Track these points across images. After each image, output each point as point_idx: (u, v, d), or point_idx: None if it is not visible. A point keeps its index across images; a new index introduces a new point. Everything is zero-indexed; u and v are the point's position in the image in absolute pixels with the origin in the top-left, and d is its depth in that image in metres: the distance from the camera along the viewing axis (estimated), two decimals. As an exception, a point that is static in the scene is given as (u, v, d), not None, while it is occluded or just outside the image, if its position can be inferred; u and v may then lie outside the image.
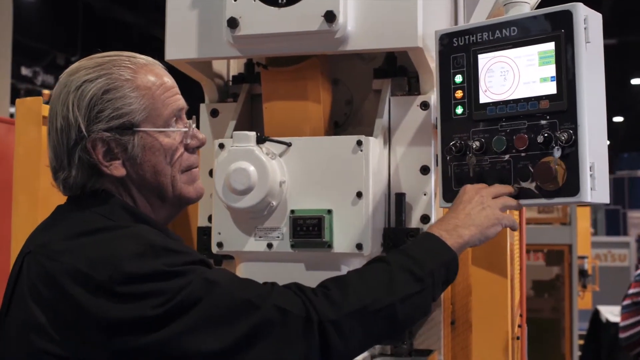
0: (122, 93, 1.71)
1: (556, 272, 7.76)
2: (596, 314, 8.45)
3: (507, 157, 1.84)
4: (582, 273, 7.96)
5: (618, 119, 23.83)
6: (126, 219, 1.72)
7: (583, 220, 8.52)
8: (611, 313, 8.15)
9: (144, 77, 1.74)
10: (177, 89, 1.82)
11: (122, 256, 1.56)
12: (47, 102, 2.32)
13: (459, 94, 1.93)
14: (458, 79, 1.94)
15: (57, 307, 1.57)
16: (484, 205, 1.85)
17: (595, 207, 16.89)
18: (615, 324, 7.60)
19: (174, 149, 1.76)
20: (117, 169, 1.73)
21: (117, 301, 1.53)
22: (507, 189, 1.89)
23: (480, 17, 2.05)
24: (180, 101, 1.80)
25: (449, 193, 1.95)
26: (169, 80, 1.81)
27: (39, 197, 2.41)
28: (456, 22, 2.78)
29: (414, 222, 2.43)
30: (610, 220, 22.20)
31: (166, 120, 1.75)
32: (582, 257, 8.01)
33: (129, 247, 1.59)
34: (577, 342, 7.46)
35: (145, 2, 15.10)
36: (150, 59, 1.84)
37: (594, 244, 10.72)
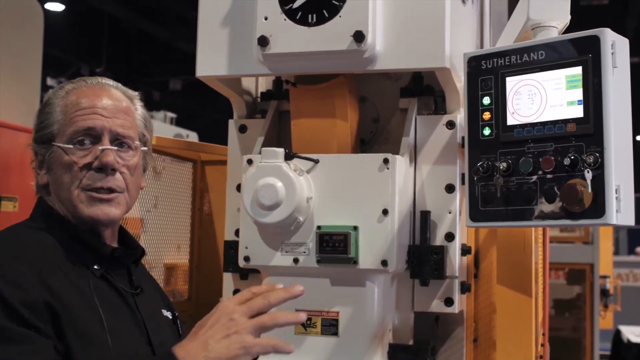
0: (49, 109, 1.82)
1: (577, 291, 7.73)
2: (617, 334, 8.40)
3: (533, 178, 1.86)
4: (604, 292, 7.92)
5: (642, 137, 23.65)
6: (43, 220, 1.81)
7: (605, 239, 8.49)
8: (633, 333, 8.11)
9: (71, 97, 1.82)
10: (96, 110, 1.79)
11: None
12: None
13: (486, 115, 1.96)
14: (486, 100, 1.97)
15: None
16: (230, 331, 1.57)
17: (617, 227, 16.77)
18: (638, 345, 7.56)
19: (70, 165, 1.77)
20: (42, 178, 1.85)
21: None
22: (268, 301, 1.65)
23: (507, 40, 2.07)
24: (89, 122, 1.78)
25: (476, 213, 1.97)
26: (93, 102, 1.80)
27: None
28: (482, 43, 2.82)
29: (439, 239, 2.46)
30: (633, 240, 22.01)
31: (70, 137, 1.78)
32: (604, 277, 7.98)
33: None
34: (598, 362, 7.43)
35: (170, 14, 15.23)
36: (105, 82, 1.88)
37: (615, 264, 10.65)
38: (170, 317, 1.96)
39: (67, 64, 15.90)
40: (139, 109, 1.92)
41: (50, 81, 15.44)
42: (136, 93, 1.93)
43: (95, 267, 1.77)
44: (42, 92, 6.53)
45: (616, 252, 12.38)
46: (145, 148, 1.88)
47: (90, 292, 1.70)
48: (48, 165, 1.82)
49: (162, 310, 1.94)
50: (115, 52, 16.23)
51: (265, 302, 1.62)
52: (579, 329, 7.46)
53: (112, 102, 1.82)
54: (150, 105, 15.61)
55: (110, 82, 1.90)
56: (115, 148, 1.80)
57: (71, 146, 1.77)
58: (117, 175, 1.79)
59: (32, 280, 1.62)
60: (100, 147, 1.77)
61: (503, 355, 2.12)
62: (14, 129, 5.11)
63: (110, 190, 1.79)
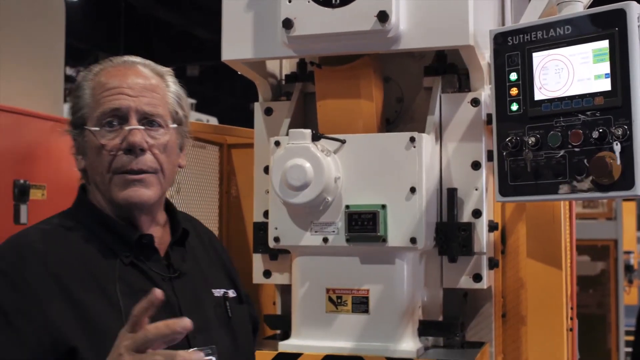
0: (79, 93, 1.79)
1: (601, 267, 7.71)
2: (642, 309, 8.38)
3: (562, 152, 1.87)
4: (628, 268, 7.90)
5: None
6: (78, 210, 1.81)
7: (629, 215, 8.46)
8: (657, 308, 8.08)
9: (98, 78, 1.78)
10: (122, 90, 1.74)
11: None
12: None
13: (514, 91, 1.98)
14: (513, 76, 1.98)
15: None
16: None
17: (639, 202, 16.67)
18: (663, 320, 7.53)
19: (100, 148, 1.72)
20: (80, 163, 1.81)
21: None
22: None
23: (532, 16, 2.08)
24: (115, 102, 1.73)
25: (505, 188, 1.99)
26: (119, 82, 1.75)
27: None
28: (503, 20, 2.83)
29: (466, 216, 2.48)
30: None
31: (98, 120, 1.74)
32: (628, 252, 7.95)
33: None
34: (624, 337, 7.41)
35: (187, 2, 15.25)
36: (132, 60, 1.83)
37: (638, 240, 10.61)
38: (222, 296, 1.88)
39: (85, 52, 15.96)
40: (171, 85, 1.84)
41: (69, 70, 15.49)
42: (168, 69, 1.88)
43: (125, 255, 1.73)
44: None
45: (638, 228, 12.32)
46: (175, 125, 1.80)
47: (114, 283, 1.67)
48: (83, 150, 1.78)
49: (213, 290, 1.88)
50: (132, 40, 16.27)
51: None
52: (604, 305, 7.46)
53: (138, 80, 1.76)
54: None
55: (138, 59, 1.85)
56: (144, 127, 1.73)
57: (99, 129, 1.73)
58: (148, 155, 1.73)
59: (36, 286, 1.59)
60: (127, 128, 1.71)
61: (535, 328, 2.14)
62: (40, 118, 5.15)
63: (142, 172, 1.72)
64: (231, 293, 1.92)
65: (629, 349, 8.21)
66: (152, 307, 1.39)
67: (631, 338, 8.36)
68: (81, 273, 1.65)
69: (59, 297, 1.59)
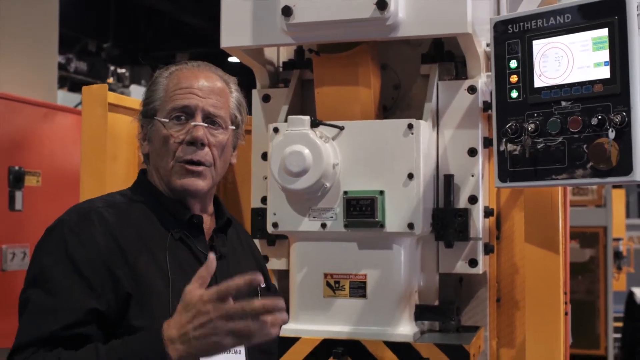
0: (155, 87, 1.99)
1: (590, 254, 7.77)
2: (631, 295, 8.46)
3: (561, 138, 1.91)
4: (617, 255, 7.97)
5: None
6: (138, 190, 2.00)
7: (618, 202, 8.52)
8: (646, 295, 8.17)
9: (173, 77, 1.98)
10: (192, 90, 1.94)
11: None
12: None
13: (513, 78, 2.00)
14: (513, 64, 2.01)
15: None
16: (205, 331, 1.57)
17: (628, 189, 16.79)
18: (651, 306, 7.63)
19: (167, 138, 1.92)
20: (144, 148, 2.02)
21: None
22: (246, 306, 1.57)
23: (531, 4, 2.11)
24: (185, 100, 1.93)
25: (505, 173, 2.02)
26: (190, 83, 1.96)
27: (106, 181, 2.52)
28: (499, 7, 2.85)
29: (462, 202, 2.51)
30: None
31: (168, 113, 1.94)
32: (617, 239, 8.02)
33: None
34: (612, 323, 7.49)
35: (177, -11, 15.17)
36: (205, 66, 2.03)
37: (626, 227, 10.69)
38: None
39: (74, 40, 15.87)
40: (234, 92, 2.04)
41: (58, 57, 15.41)
42: (234, 78, 2.07)
43: (175, 230, 1.92)
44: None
45: (627, 215, 12.40)
46: (233, 127, 2.01)
47: (164, 253, 1.86)
48: (149, 137, 1.98)
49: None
50: (122, 28, 16.20)
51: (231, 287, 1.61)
52: (593, 292, 7.52)
53: (207, 83, 1.97)
54: (159, 79, 15.60)
55: (210, 66, 2.05)
56: (206, 125, 1.93)
57: (168, 120, 1.93)
58: (206, 149, 1.93)
59: (101, 243, 1.79)
60: (192, 123, 1.92)
61: (533, 313, 2.17)
62: (34, 105, 5.14)
63: (200, 163, 1.92)
64: (261, 283, 2.02)
65: (618, 335, 8.32)
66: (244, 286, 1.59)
67: (620, 324, 8.46)
68: (137, 240, 1.84)
69: (118, 255, 1.79)
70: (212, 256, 1.66)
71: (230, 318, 1.57)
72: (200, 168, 1.92)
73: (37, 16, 6.27)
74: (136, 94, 10.04)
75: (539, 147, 1.94)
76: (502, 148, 2.01)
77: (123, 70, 15.41)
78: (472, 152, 2.51)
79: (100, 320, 1.72)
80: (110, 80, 13.97)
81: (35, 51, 6.23)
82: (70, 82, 14.69)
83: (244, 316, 1.56)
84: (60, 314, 1.68)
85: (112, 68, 15.36)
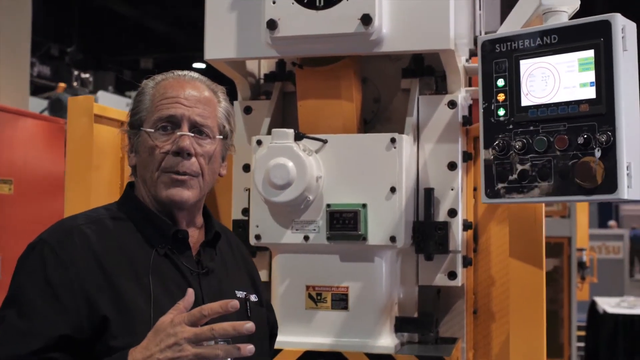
0: (141, 98, 1.97)
1: (554, 264, 7.87)
2: (593, 305, 8.59)
3: (548, 156, 1.95)
4: (581, 265, 8.09)
5: None
6: (124, 204, 1.97)
7: (582, 213, 8.64)
8: (608, 304, 8.29)
9: (159, 87, 1.96)
10: (178, 100, 1.91)
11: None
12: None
13: (501, 96, 2.04)
14: (500, 82, 2.05)
15: None
16: (171, 354, 1.58)
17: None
18: (614, 315, 7.74)
19: (153, 149, 1.89)
20: (132, 160, 1.98)
21: None
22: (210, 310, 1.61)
23: (514, 24, 2.15)
24: (171, 110, 1.90)
25: (492, 190, 2.05)
26: (177, 92, 1.93)
27: (91, 191, 2.51)
28: (474, 24, 2.90)
29: (442, 216, 2.55)
30: (603, 213, 22.31)
31: (154, 123, 1.91)
32: (581, 250, 8.14)
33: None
34: (576, 332, 7.59)
35: (141, -6, 15.10)
36: (191, 75, 2.01)
37: (590, 237, 10.83)
38: (244, 297, 2.00)
39: (37, 44, 15.70)
40: (222, 102, 2.01)
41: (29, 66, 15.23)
42: (222, 87, 2.05)
43: (160, 246, 1.88)
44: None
45: (591, 226, 12.58)
46: (221, 137, 1.98)
47: (148, 271, 1.82)
48: (136, 148, 1.95)
49: (237, 291, 2.00)
50: (85, 32, 16.07)
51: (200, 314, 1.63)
52: (557, 301, 7.61)
53: (194, 92, 1.94)
54: (122, 84, 15.52)
55: (197, 75, 2.03)
56: (193, 135, 1.90)
57: (153, 130, 1.90)
58: (193, 159, 1.90)
59: (79, 265, 1.76)
60: (179, 133, 1.89)
61: (516, 327, 2.21)
62: (6, 112, 5.07)
63: (185, 174, 1.89)
64: (253, 297, 2.05)
65: (581, 344, 8.43)
66: (221, 313, 1.60)
67: (583, 333, 8.59)
68: (119, 258, 1.81)
69: (98, 276, 1.76)
70: (190, 290, 1.66)
71: (198, 340, 1.57)
72: (187, 178, 1.89)
73: (9, 25, 6.21)
74: (103, 101, 9.96)
75: (525, 164, 1.98)
76: (489, 165, 2.05)
77: (87, 75, 15.25)
78: (452, 166, 2.55)
79: (71, 346, 1.69)
80: (75, 84, 13.81)
81: (8, 59, 6.17)
82: (33, 86, 14.53)
83: (212, 339, 1.57)
84: (29, 339, 1.67)
85: (75, 72, 15.19)
